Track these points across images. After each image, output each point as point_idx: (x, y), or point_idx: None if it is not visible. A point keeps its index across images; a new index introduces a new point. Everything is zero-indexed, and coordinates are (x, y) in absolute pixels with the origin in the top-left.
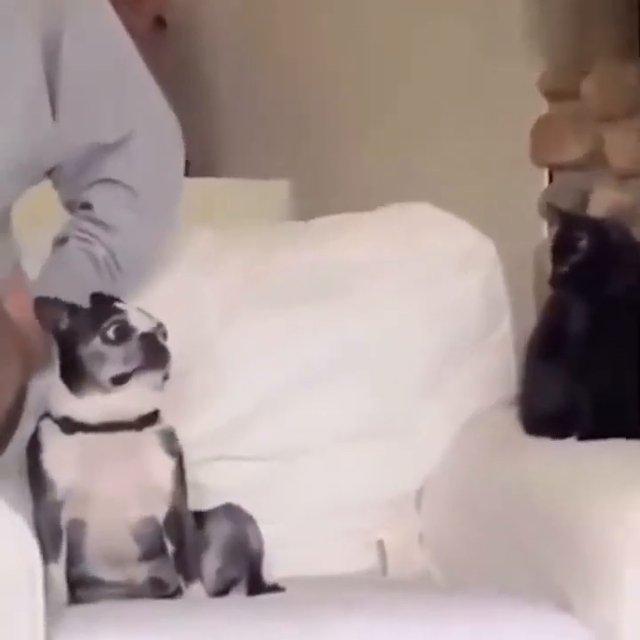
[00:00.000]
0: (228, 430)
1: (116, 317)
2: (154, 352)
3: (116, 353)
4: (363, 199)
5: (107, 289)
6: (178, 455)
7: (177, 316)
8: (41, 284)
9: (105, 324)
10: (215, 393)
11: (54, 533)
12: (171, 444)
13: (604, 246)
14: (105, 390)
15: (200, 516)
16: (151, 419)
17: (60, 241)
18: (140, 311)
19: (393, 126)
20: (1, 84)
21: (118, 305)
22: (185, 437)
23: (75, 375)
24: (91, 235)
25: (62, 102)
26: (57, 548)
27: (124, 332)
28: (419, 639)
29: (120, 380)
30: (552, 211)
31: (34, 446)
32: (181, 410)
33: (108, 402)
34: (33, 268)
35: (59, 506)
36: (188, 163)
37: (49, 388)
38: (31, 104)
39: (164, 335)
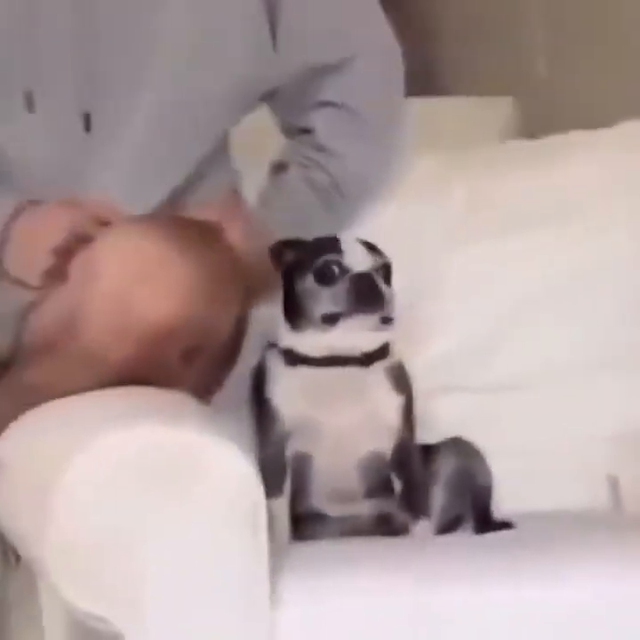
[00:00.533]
0: (456, 361)
1: (330, 256)
2: (365, 294)
3: (325, 292)
4: (593, 114)
5: (328, 218)
6: (406, 391)
7: (401, 246)
8: (261, 211)
9: (318, 262)
10: (443, 323)
11: (279, 466)
12: (399, 379)
13: None
14: (320, 328)
15: (427, 450)
16: (378, 354)
17: (279, 167)
18: (364, 248)
19: (625, 35)
20: (221, 15)
21: (341, 241)
22: (412, 368)
23: (293, 310)
24: (312, 161)
25: (283, 27)
26: (281, 482)
27: (335, 271)
28: None
29: (330, 320)
30: None
31: (259, 376)
32: (408, 341)
33: (328, 338)
34: (250, 193)
35: (285, 438)
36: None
37: (274, 319)
38: (251, 32)
39: (386, 275)
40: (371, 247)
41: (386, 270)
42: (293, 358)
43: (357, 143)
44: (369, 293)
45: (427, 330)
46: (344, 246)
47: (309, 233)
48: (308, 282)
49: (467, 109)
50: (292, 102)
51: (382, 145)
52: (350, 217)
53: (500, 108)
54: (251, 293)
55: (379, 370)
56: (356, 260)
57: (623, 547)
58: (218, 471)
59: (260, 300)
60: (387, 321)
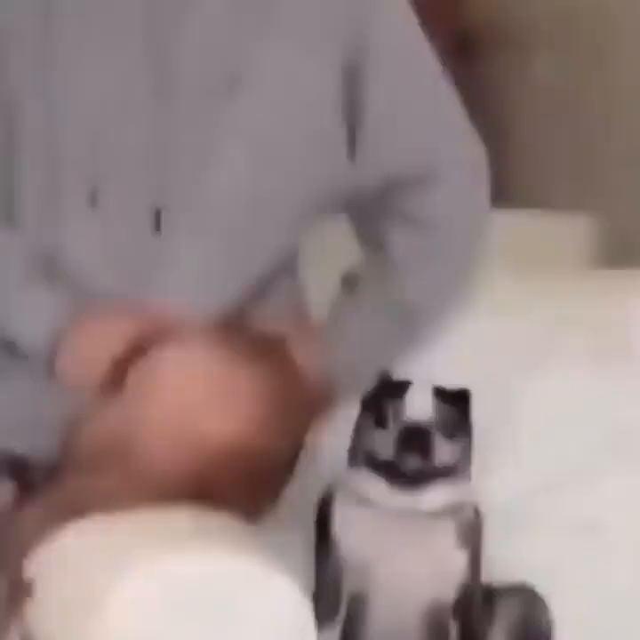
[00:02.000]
0: (526, 499)
1: (390, 400)
2: (413, 444)
3: (377, 435)
4: None
5: (398, 340)
6: (475, 549)
7: (475, 368)
8: (329, 328)
9: (379, 406)
10: (513, 454)
11: (334, 600)
12: (467, 534)
13: None
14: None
15: (490, 592)
16: (449, 509)
17: (350, 282)
18: (433, 395)
19: None
20: (295, 111)
21: (411, 384)
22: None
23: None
24: (385, 278)
25: (362, 138)
26: (334, 616)
27: (390, 417)
28: None
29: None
30: None
31: (325, 507)
32: (478, 469)
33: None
34: (318, 309)
35: (342, 572)
36: None
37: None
38: (322, 144)
39: (450, 421)
40: (440, 393)
41: (454, 421)
42: (362, 500)
43: (430, 263)
44: (418, 443)
45: (498, 458)
46: (409, 393)
47: (378, 356)
48: (365, 423)
49: (539, 225)
50: (370, 213)
51: (458, 266)
52: (422, 340)
53: (579, 228)
54: (310, 414)
55: (447, 524)
56: (417, 408)
57: None
58: (266, 600)
59: (317, 419)
60: (449, 470)
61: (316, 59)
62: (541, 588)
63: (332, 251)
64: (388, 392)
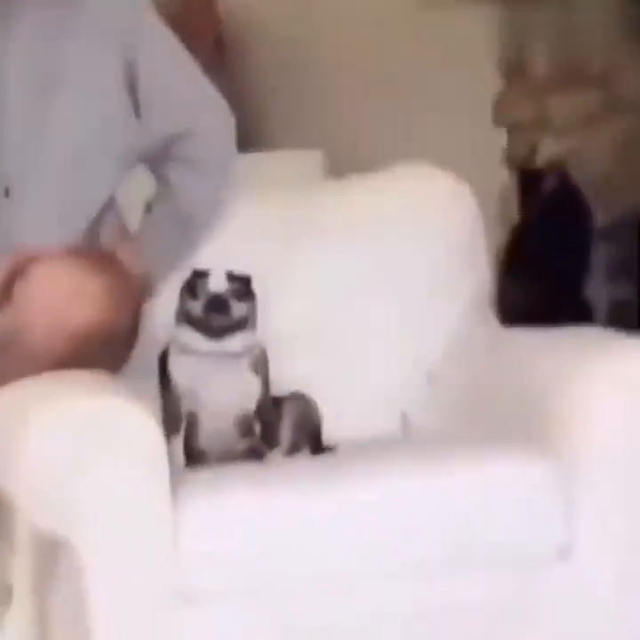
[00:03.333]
0: (292, 337)
1: (199, 281)
2: (216, 305)
3: (192, 303)
4: (378, 160)
5: (183, 240)
6: (264, 374)
7: (246, 261)
8: (139, 240)
9: (191, 283)
10: (274, 313)
11: (176, 417)
12: (258, 367)
13: (561, 190)
14: (201, 330)
15: (277, 401)
16: (245, 351)
17: (149, 209)
18: (225, 276)
19: (398, 102)
20: (102, 104)
21: (211, 271)
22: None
23: (184, 315)
24: (170, 202)
25: (143, 110)
26: (178, 427)
27: (199, 291)
28: (427, 474)
29: (195, 321)
30: (519, 170)
31: (164, 357)
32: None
33: (210, 343)
34: (132, 227)
35: (179, 399)
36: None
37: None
38: (119, 118)
39: (238, 291)
40: (231, 276)
41: (241, 291)
42: (186, 349)
43: (201, 186)
44: (219, 306)
45: (273, 317)
46: (211, 275)
47: (173, 255)
48: (185, 297)
49: (284, 160)
50: (156, 160)
51: (221, 184)
52: (201, 242)
53: (312, 159)
54: (140, 297)
55: (245, 360)
56: (216, 285)
57: (409, 457)
58: (130, 422)
59: (146, 301)
60: (243, 322)
61: (107, 60)
62: (313, 394)
63: (139, 186)
64: (196, 276)
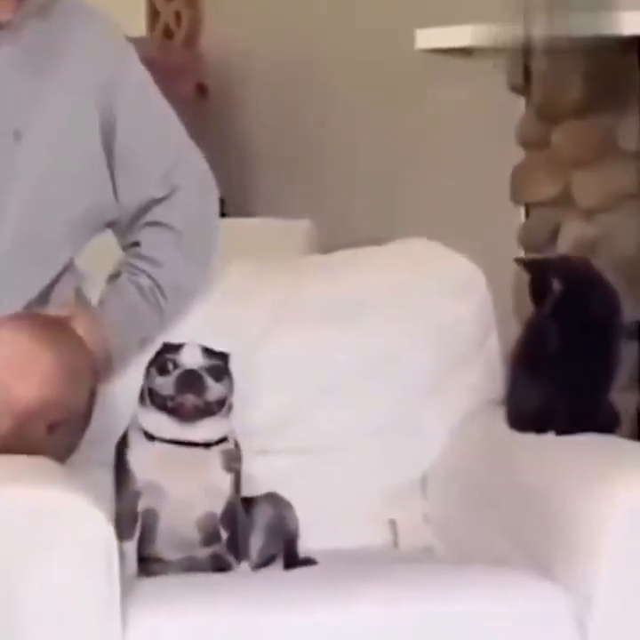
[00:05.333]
0: (269, 429)
1: (169, 355)
2: (189, 384)
3: (160, 381)
4: (371, 234)
5: (154, 316)
6: (235, 470)
7: (220, 338)
8: (100, 309)
9: (160, 359)
10: (256, 398)
11: (131, 517)
12: (231, 462)
13: (574, 281)
14: (167, 414)
15: (247, 502)
16: (218, 441)
17: (114, 276)
18: (200, 351)
19: (392, 174)
20: (69, 159)
21: (184, 345)
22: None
23: (150, 396)
24: (138, 269)
25: (118, 175)
26: (132, 529)
27: (170, 367)
28: (418, 602)
29: (163, 402)
30: (521, 262)
31: (122, 445)
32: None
33: (179, 428)
34: (94, 296)
35: (137, 495)
36: (223, 201)
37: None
38: (92, 168)
39: (221, 372)
40: (207, 351)
41: (218, 369)
42: (150, 435)
43: (176, 254)
44: (193, 383)
45: (247, 406)
46: (184, 349)
47: (139, 328)
48: (153, 373)
49: (272, 228)
50: (128, 227)
51: (197, 256)
52: (175, 315)
53: (300, 228)
54: (97, 375)
55: (216, 453)
56: (190, 360)
57: (396, 574)
58: (76, 519)
59: (104, 379)
60: (219, 405)
61: (81, 116)
62: (286, 495)
63: (102, 254)
64: (167, 350)
